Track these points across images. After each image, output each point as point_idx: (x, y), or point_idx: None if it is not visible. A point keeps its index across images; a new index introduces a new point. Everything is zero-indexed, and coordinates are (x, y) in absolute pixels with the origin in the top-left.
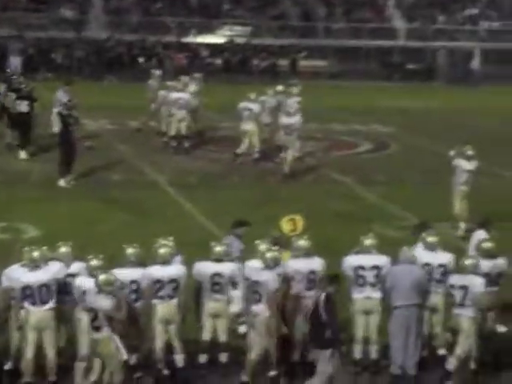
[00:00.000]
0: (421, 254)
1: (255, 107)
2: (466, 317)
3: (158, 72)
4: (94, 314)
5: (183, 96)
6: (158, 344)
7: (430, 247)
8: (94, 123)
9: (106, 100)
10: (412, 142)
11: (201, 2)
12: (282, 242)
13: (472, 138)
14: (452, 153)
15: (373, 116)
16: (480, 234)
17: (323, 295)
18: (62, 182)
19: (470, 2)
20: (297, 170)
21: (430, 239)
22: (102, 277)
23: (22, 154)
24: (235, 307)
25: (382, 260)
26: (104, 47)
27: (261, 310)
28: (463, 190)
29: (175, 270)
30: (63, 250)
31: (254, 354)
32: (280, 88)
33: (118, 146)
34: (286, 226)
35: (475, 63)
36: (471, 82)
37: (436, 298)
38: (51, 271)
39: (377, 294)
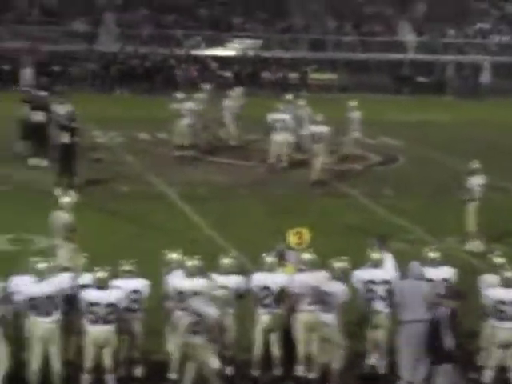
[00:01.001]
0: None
1: (288, 118)
2: None
3: (207, 86)
4: (198, 318)
5: (192, 107)
6: None
7: (432, 263)
8: (104, 135)
9: (117, 112)
10: (421, 155)
11: (211, 15)
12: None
13: (481, 152)
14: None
15: (382, 129)
16: None
17: (449, 311)
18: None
19: (481, 16)
20: (306, 182)
21: (432, 254)
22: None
23: (34, 161)
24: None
25: (391, 274)
26: (115, 60)
27: (330, 319)
28: (474, 205)
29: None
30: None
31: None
32: (290, 97)
33: (126, 158)
34: (292, 238)
35: (485, 77)
36: (480, 95)
37: None
38: (56, 283)
39: (386, 309)
